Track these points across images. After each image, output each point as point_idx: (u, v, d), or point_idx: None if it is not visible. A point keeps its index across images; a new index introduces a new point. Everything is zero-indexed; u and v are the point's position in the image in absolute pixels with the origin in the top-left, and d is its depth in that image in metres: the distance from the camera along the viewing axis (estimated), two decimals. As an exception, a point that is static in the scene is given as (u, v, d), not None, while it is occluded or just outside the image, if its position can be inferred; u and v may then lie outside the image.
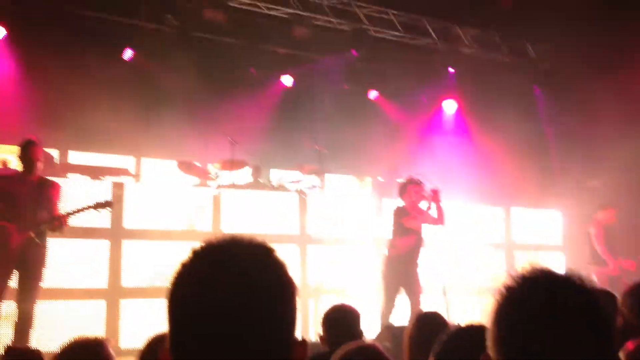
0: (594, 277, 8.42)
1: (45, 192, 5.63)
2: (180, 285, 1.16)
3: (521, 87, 11.39)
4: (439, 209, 7.04)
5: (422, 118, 11.64)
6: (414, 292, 6.89)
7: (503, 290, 1.27)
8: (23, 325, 5.48)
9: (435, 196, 7.01)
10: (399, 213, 7.02)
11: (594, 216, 8.78)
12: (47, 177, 5.83)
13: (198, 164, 8.97)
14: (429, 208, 7.03)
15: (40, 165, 5.67)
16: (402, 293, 6.98)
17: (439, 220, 7.04)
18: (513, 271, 1.28)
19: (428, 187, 7.11)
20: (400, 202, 7.12)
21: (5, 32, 8.61)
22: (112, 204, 5.92)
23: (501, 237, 9.85)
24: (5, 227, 5.36)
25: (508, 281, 1.27)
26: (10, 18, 8.59)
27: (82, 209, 5.66)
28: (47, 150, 8.61)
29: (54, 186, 5.74)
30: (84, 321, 6.97)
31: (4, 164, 8.12)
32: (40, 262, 5.56)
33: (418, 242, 7.01)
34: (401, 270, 6.88)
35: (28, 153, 5.58)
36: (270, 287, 1.15)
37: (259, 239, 1.22)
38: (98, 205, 5.76)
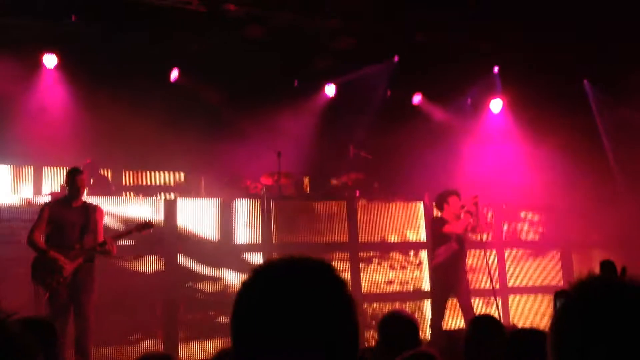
0: None
1: (91, 216, 5.97)
2: (242, 305, 1.20)
3: (571, 82, 11.11)
4: (480, 216, 7.10)
5: (469, 119, 11.49)
6: (463, 297, 6.99)
7: (562, 297, 1.25)
8: (83, 341, 5.78)
9: (475, 204, 7.02)
10: (438, 222, 7.17)
11: None
12: (90, 202, 6.15)
13: (246, 177, 9.09)
14: (468, 216, 7.02)
15: (84, 191, 6.04)
16: (451, 299, 7.08)
17: (481, 228, 7.12)
18: (572, 278, 1.26)
19: (467, 197, 7.13)
20: (439, 213, 7.22)
21: (57, 61, 8.93)
22: (152, 225, 6.22)
23: (556, 237, 9.64)
24: (58, 258, 5.68)
25: (567, 288, 1.26)
26: (60, 47, 8.93)
27: (125, 233, 6.09)
28: (102, 171, 8.94)
29: (98, 210, 6.09)
30: (142, 334, 7.15)
31: (62, 188, 8.42)
32: (91, 284, 5.88)
33: (460, 248, 7.03)
34: (447, 277, 6.98)
35: (75, 181, 5.93)
36: (331, 306, 1.17)
37: (317, 257, 1.24)
38: (139, 228, 6.11)
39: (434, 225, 7.20)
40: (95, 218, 5.99)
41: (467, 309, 6.90)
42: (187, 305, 7.55)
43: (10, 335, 1.24)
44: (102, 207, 6.20)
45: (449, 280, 6.96)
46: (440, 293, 7.06)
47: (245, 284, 1.21)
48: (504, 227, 9.43)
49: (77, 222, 5.86)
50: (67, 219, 5.86)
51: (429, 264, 7.43)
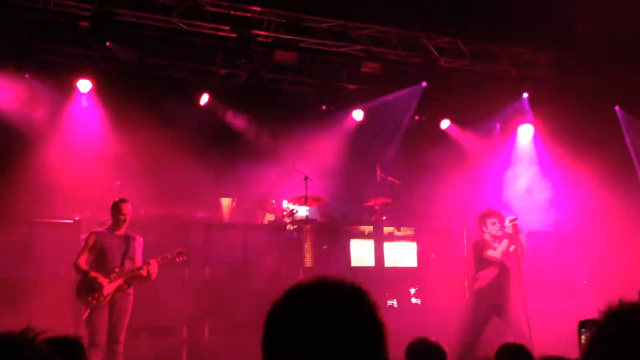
0: None
1: (131, 245, 6.39)
2: (274, 325, 1.21)
3: (602, 109, 10.98)
4: (517, 238, 6.89)
5: (498, 145, 11.41)
6: (512, 320, 6.73)
7: (588, 326, 1.23)
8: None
9: (513, 226, 6.85)
10: (478, 246, 6.93)
11: None
12: (131, 232, 6.50)
13: (273, 201, 9.12)
14: (505, 237, 6.87)
15: (128, 220, 6.41)
16: (489, 323, 6.87)
17: (520, 249, 6.88)
18: (602, 307, 1.23)
19: (506, 217, 6.97)
20: (479, 236, 7.05)
21: (92, 85, 9.15)
22: (185, 254, 6.54)
23: (587, 265, 9.42)
24: (97, 276, 6.11)
25: (598, 317, 1.23)
26: (95, 72, 9.16)
27: (163, 259, 6.36)
28: (130, 196, 9.04)
29: (138, 240, 6.50)
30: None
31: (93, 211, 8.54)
32: (127, 306, 6.27)
33: (502, 272, 6.84)
34: (490, 299, 6.76)
35: (120, 209, 6.37)
36: (362, 329, 1.17)
37: (349, 280, 1.24)
38: (174, 255, 6.45)
39: (475, 249, 7.01)
40: (135, 247, 6.40)
41: (518, 333, 6.57)
42: (213, 328, 7.56)
43: (36, 354, 1.25)
44: (141, 238, 6.54)
45: (493, 302, 6.77)
46: (481, 315, 6.83)
47: (277, 304, 1.21)
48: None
49: (119, 249, 6.29)
50: (110, 245, 6.29)
51: (470, 287, 7.21)
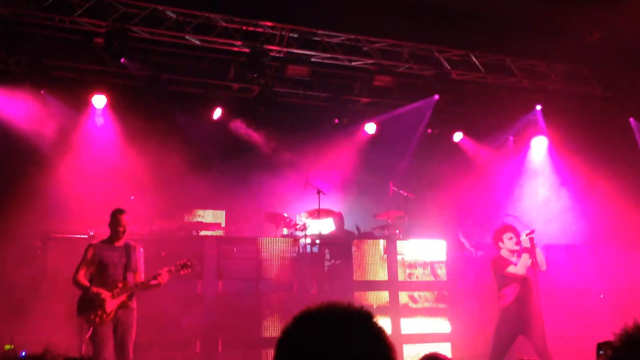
0: None
1: (132, 255, 6.16)
2: (284, 351, 1.21)
3: (616, 120, 10.90)
4: (535, 252, 6.73)
5: (511, 157, 11.35)
6: (536, 338, 6.58)
7: (606, 349, 1.21)
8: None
9: (530, 240, 6.72)
10: (498, 263, 6.80)
11: None
12: (131, 242, 6.29)
13: (286, 215, 9.12)
14: (523, 252, 6.74)
15: (127, 231, 6.19)
16: (515, 340, 6.73)
17: (540, 264, 6.74)
18: (618, 329, 1.22)
19: (523, 231, 6.85)
20: (496, 252, 6.92)
21: (106, 101, 9.25)
22: (191, 265, 6.33)
23: (604, 277, 9.28)
24: (100, 292, 5.89)
25: (614, 340, 1.22)
26: (109, 88, 9.27)
27: (169, 270, 6.13)
28: (144, 211, 9.09)
29: (139, 250, 6.29)
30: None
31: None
32: (132, 322, 6.04)
33: (525, 287, 6.70)
34: (517, 316, 6.63)
35: (118, 220, 6.16)
36: (371, 354, 1.17)
37: (358, 304, 1.25)
38: (178, 268, 6.23)
39: (495, 266, 6.84)
40: (136, 257, 6.18)
41: (542, 353, 6.47)
42: (226, 343, 7.54)
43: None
44: (141, 247, 6.37)
45: (519, 319, 6.63)
46: (508, 334, 6.68)
47: (286, 332, 1.22)
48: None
49: (120, 261, 6.06)
50: (110, 258, 6.05)
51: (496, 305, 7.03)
